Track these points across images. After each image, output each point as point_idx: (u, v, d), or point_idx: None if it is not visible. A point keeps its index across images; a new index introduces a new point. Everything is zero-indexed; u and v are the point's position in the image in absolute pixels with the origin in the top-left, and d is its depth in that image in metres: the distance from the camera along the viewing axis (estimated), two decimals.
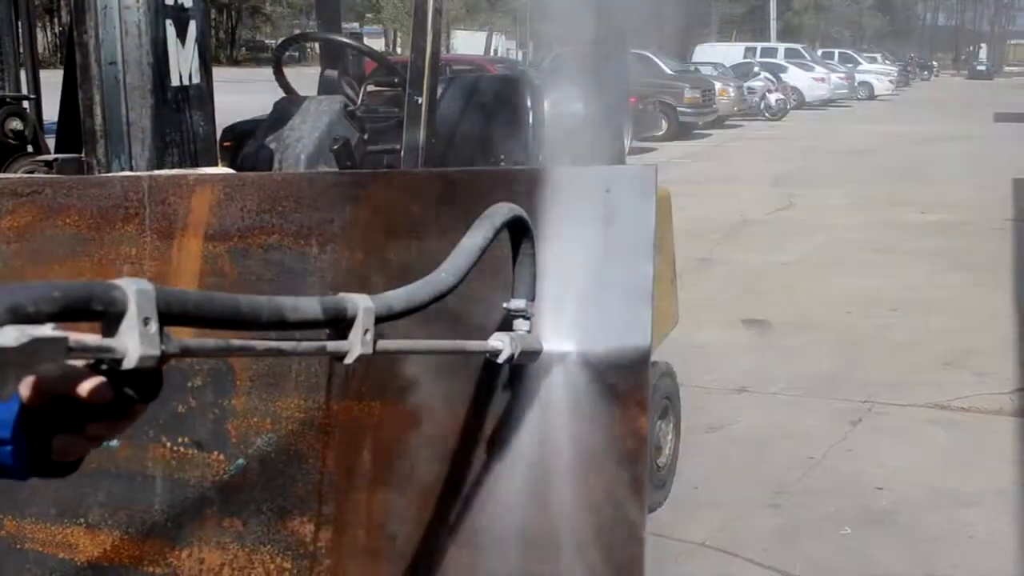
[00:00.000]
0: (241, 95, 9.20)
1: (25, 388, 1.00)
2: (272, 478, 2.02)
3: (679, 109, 22.03)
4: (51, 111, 3.19)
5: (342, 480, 1.96)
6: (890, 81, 43.61)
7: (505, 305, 1.69)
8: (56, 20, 48.11)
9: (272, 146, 3.29)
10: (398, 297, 1.32)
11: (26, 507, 2.21)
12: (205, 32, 2.62)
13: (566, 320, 1.78)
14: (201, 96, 2.59)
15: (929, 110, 31.39)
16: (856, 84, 38.96)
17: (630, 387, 1.74)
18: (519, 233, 1.66)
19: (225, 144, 4.56)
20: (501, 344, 1.63)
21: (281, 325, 1.09)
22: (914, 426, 5.17)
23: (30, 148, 2.95)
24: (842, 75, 37.82)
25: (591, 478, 1.76)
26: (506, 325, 1.70)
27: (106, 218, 2.15)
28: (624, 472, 1.74)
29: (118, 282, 0.90)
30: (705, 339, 6.43)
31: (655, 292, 1.77)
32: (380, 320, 1.24)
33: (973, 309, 7.41)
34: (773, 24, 52.98)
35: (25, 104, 2.98)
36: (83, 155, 2.61)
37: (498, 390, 1.82)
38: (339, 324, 1.20)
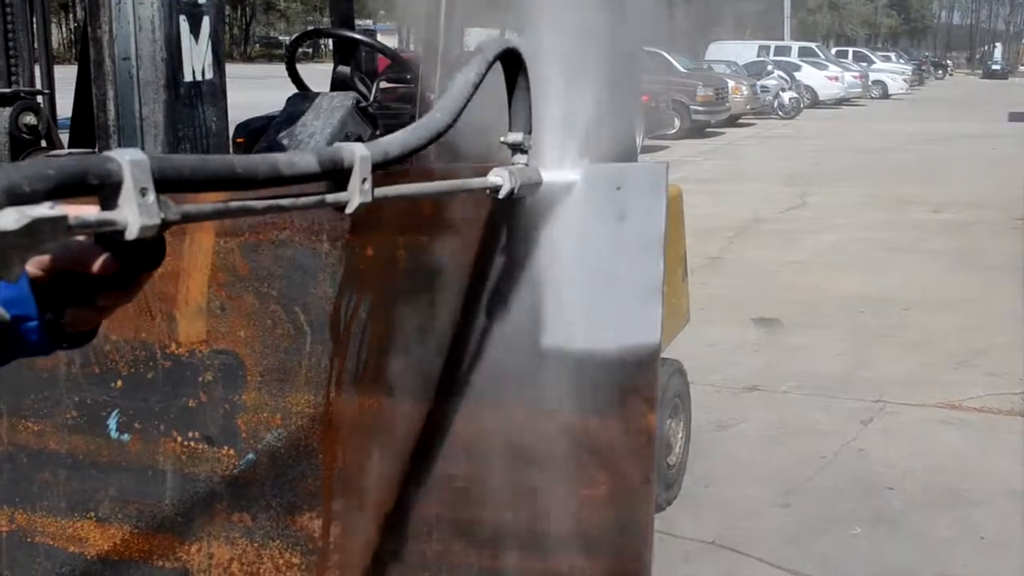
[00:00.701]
0: (254, 91, 9.21)
1: (32, 266, 1.01)
2: (281, 473, 2.02)
3: (692, 107, 22.00)
4: (64, 107, 3.20)
5: (351, 475, 1.97)
6: (904, 80, 43.45)
7: (502, 139, 1.68)
8: (71, 16, 48.25)
9: (284, 142, 3.29)
10: (393, 142, 1.31)
11: (37, 501, 2.22)
12: (218, 28, 2.62)
13: (576, 317, 1.78)
14: (214, 91, 2.60)
15: (943, 109, 31.29)
16: (870, 83, 38.83)
17: (639, 384, 1.74)
18: (513, 66, 1.64)
19: (238, 140, 4.57)
20: (501, 179, 1.62)
21: (278, 181, 1.09)
22: (926, 426, 5.16)
23: (44, 143, 2.95)
24: (856, 74, 37.69)
25: (600, 475, 1.76)
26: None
27: None
28: (633, 469, 1.74)
29: (111, 154, 0.90)
30: (716, 337, 6.42)
31: (666, 290, 1.77)
32: (377, 167, 1.23)
33: (986, 309, 7.39)
34: (787, 22, 52.80)
35: (39, 99, 2.99)
36: (96, 150, 2.61)
37: (506, 385, 1.82)
38: (337, 175, 1.19)
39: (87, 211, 0.89)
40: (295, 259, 2.03)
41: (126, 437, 2.14)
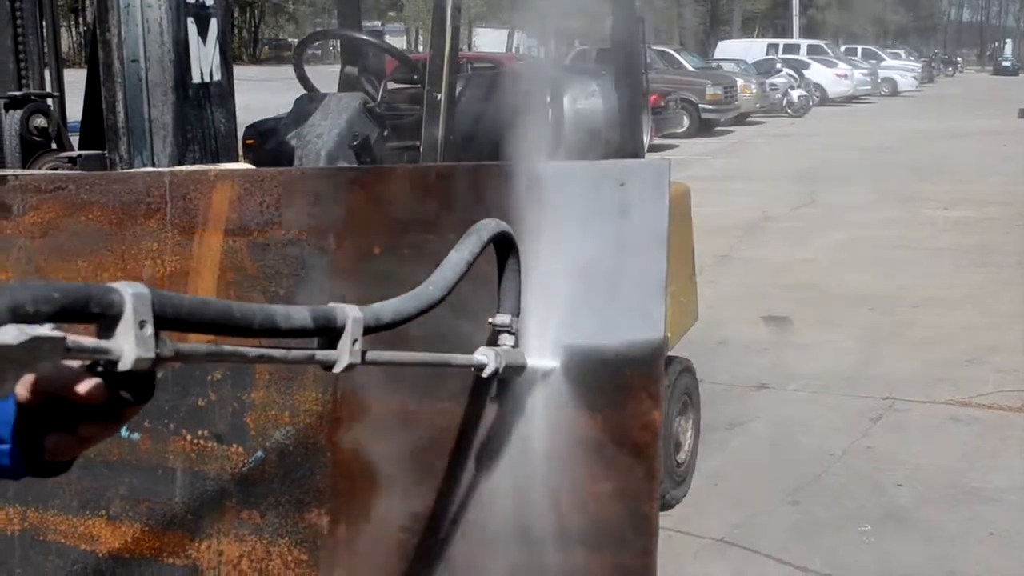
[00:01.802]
0: (263, 93, 9.23)
1: (21, 387, 1.00)
2: (290, 471, 2.04)
3: (701, 106, 21.97)
4: (74, 110, 3.22)
5: (359, 473, 1.98)
6: (914, 77, 43.32)
7: (490, 320, 1.72)
8: (80, 20, 48.35)
9: (293, 142, 3.31)
10: (386, 309, 1.34)
11: (49, 499, 2.24)
12: (226, 30, 2.64)
13: (579, 313, 1.79)
14: (222, 93, 2.62)
15: (953, 106, 31.19)
16: (879, 80, 38.69)
17: (643, 380, 1.75)
18: (504, 249, 1.70)
19: (247, 142, 4.59)
20: (486, 358, 1.66)
21: (272, 332, 1.11)
22: (935, 423, 5.15)
23: (54, 145, 2.98)
24: (865, 71, 37.59)
25: (605, 471, 1.77)
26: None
27: (128, 213, 2.18)
28: (637, 466, 1.76)
29: (115, 285, 0.91)
30: (725, 335, 6.42)
31: (674, 288, 1.78)
32: (368, 331, 1.26)
33: (996, 306, 7.37)
34: (796, 20, 52.73)
35: (49, 102, 3.01)
36: (106, 151, 2.64)
37: (511, 384, 1.83)
38: (329, 334, 1.22)
39: (85, 337, 0.90)
40: (303, 258, 2.04)
41: (136, 436, 2.16)
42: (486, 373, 1.67)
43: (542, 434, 1.81)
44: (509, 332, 1.72)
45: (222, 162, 2.53)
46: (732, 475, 4.50)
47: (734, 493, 4.32)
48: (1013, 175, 14.04)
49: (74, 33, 47.86)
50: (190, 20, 2.51)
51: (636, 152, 3.98)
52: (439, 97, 3.00)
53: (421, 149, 3.03)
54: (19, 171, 2.72)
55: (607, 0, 3.96)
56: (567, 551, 1.80)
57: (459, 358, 1.69)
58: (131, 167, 2.50)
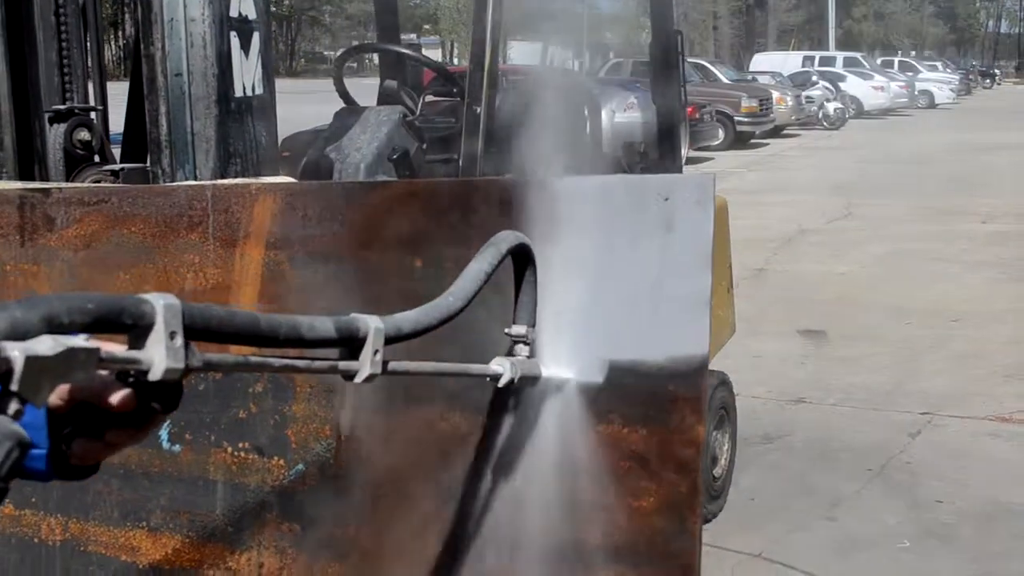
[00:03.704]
0: (299, 106, 9.28)
1: (54, 395, 1.01)
2: (331, 484, 2.04)
3: (736, 118, 21.92)
4: (116, 122, 3.25)
5: (399, 487, 1.98)
6: (951, 89, 42.97)
7: (507, 331, 1.74)
8: (120, 33, 48.89)
9: (332, 156, 3.33)
10: (407, 319, 1.36)
11: (90, 510, 2.25)
12: (268, 43, 2.66)
13: (622, 328, 1.78)
14: (264, 106, 2.63)
15: (991, 119, 30.92)
16: (916, 93, 38.44)
17: (687, 395, 1.74)
18: (522, 260, 1.72)
19: (283, 155, 4.62)
20: (501, 368, 1.68)
21: (297, 343, 1.14)
22: (975, 439, 5.10)
23: (97, 158, 3.01)
24: (902, 84, 37.37)
25: (647, 486, 1.77)
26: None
27: (170, 226, 2.19)
28: (680, 481, 1.75)
29: (147, 297, 0.93)
30: (762, 349, 6.39)
31: (712, 301, 1.78)
32: (389, 341, 1.28)
33: None
34: (832, 32, 52.51)
35: (93, 115, 3.04)
36: (148, 165, 2.66)
37: (552, 399, 1.82)
38: (351, 344, 1.24)
39: (115, 347, 0.93)
40: (344, 271, 2.05)
41: (177, 448, 2.17)
42: (502, 383, 1.68)
43: (585, 449, 1.80)
44: (525, 343, 1.74)
45: (264, 175, 2.54)
46: (769, 490, 4.47)
47: (771, 508, 4.29)
48: None
49: (113, 46, 48.39)
50: (233, 34, 2.53)
51: (675, 166, 3.97)
52: (478, 110, 3.01)
53: (460, 162, 3.04)
54: (63, 184, 2.74)
55: (645, 13, 3.96)
56: (609, 566, 1.79)
57: (476, 368, 1.71)
58: (173, 180, 2.51)
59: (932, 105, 39.27)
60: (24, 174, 2.90)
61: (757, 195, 13.67)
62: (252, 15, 2.58)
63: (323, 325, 1.18)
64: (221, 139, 2.50)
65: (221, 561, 2.13)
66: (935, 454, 4.88)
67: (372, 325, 1.25)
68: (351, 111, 3.59)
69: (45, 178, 2.90)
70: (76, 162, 2.94)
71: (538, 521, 1.84)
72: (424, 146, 3.52)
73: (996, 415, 5.39)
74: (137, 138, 2.87)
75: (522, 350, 1.74)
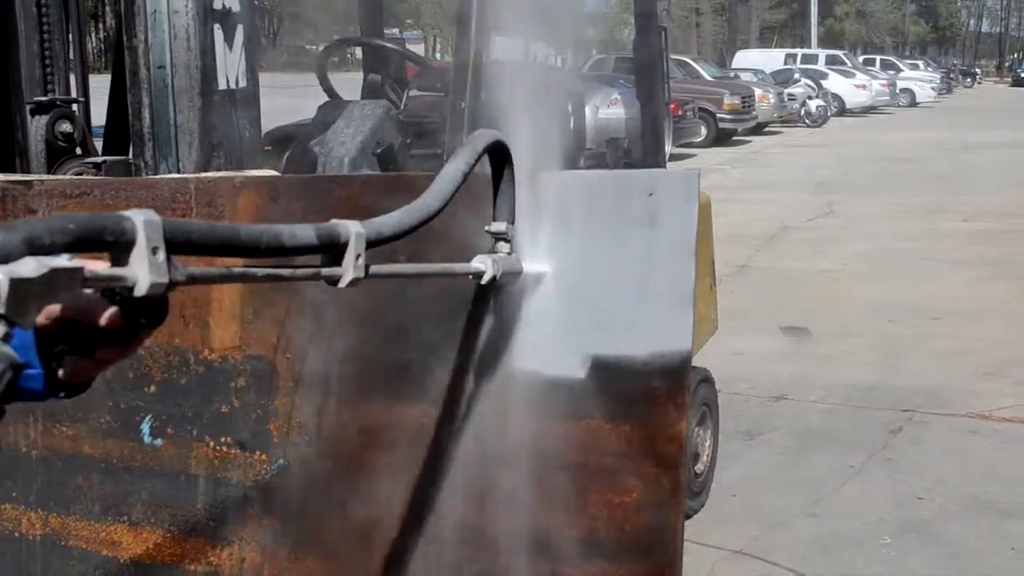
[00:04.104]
0: (281, 99, 9.25)
1: (41, 315, 1.03)
2: (313, 478, 2.03)
3: (719, 115, 21.97)
4: (98, 114, 3.23)
5: (380, 481, 1.98)
6: (932, 88, 43.16)
7: (487, 228, 1.75)
8: (101, 25, 48.59)
9: (316, 149, 3.32)
10: (387, 222, 1.38)
11: (71, 505, 2.24)
12: (252, 36, 2.65)
13: (606, 323, 1.78)
14: (247, 99, 2.62)
15: (972, 117, 31.07)
16: (898, 91, 38.60)
17: (670, 391, 1.74)
18: (500, 158, 1.72)
19: (265, 148, 4.60)
20: (483, 265, 1.70)
21: (279, 251, 1.15)
22: (955, 436, 5.12)
23: (79, 150, 2.99)
24: (884, 82, 37.51)
25: (630, 482, 1.77)
26: None
27: None
28: (663, 477, 1.75)
29: (127, 213, 0.93)
30: (744, 346, 6.41)
31: (695, 297, 1.78)
32: (371, 244, 1.30)
33: (1017, 318, 7.33)
34: (814, 30, 52.64)
35: (75, 107, 3.02)
36: (131, 157, 2.64)
37: (536, 392, 1.82)
38: (333, 250, 1.26)
39: (99, 265, 0.93)
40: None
41: (159, 442, 2.16)
42: (484, 279, 1.70)
43: (567, 444, 1.80)
44: (505, 239, 1.75)
45: (247, 168, 2.53)
46: (750, 486, 4.48)
47: (752, 505, 4.30)
48: None
49: (94, 39, 48.09)
50: (216, 26, 2.52)
51: (659, 162, 3.97)
52: (462, 105, 3.00)
53: (444, 157, 3.03)
54: (45, 176, 2.73)
55: (629, 10, 3.97)
56: (591, 562, 1.79)
57: (458, 267, 1.73)
58: (156, 173, 2.50)
59: (913, 103, 39.43)
60: (5, 166, 2.88)
61: (740, 192, 13.71)
62: (236, 8, 2.57)
63: (304, 232, 1.19)
64: (204, 132, 2.49)
65: (203, 556, 2.12)
66: (916, 451, 4.90)
67: (353, 230, 1.27)
68: (335, 105, 3.58)
69: (26, 170, 2.87)
70: (58, 154, 2.92)
71: (520, 518, 1.84)
72: (408, 141, 3.51)
73: (977, 412, 5.41)
74: (119, 130, 2.85)
75: (503, 247, 1.75)
